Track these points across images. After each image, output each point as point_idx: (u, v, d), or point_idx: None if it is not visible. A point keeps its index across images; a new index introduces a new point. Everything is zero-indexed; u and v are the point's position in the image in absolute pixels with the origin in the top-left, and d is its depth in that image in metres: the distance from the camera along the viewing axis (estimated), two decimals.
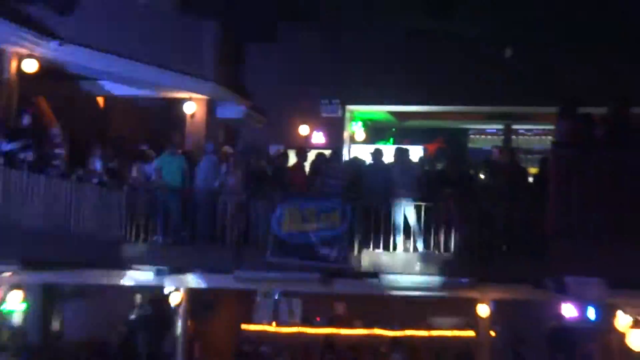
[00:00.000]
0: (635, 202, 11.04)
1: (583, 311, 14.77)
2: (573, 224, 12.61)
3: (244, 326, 21.51)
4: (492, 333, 17.65)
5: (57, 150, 16.23)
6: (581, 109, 14.31)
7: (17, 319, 17.24)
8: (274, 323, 21.63)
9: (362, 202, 16.55)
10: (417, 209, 16.32)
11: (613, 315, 14.01)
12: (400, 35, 20.92)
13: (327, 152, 19.74)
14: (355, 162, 19.12)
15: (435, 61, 21.02)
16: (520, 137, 24.61)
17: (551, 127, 16.74)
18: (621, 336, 13.78)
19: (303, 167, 18.57)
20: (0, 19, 15.65)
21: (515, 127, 24.29)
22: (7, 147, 14.90)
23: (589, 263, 11.91)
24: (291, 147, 20.51)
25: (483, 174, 17.89)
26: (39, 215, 14.85)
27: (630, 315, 13.18)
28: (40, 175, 15.17)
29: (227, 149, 19.10)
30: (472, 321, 17.62)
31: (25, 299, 16.91)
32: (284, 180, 17.73)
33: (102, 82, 19.94)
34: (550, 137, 18.23)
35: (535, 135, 24.13)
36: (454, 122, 25.08)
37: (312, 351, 18.13)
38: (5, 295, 16.19)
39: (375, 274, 16.33)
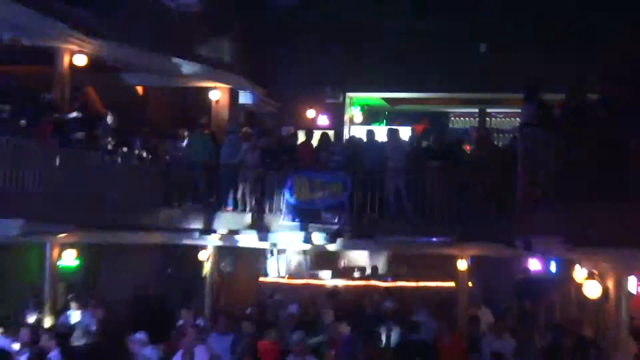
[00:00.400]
0: (589, 174, 11.13)
1: (546, 265, 14.92)
2: (537, 192, 12.74)
3: (261, 279, 21.64)
4: (470, 284, 17.79)
5: (102, 132, 16.39)
6: (542, 95, 14.46)
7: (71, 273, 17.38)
8: (286, 276, 21.79)
9: (359, 174, 16.67)
10: (406, 179, 16.44)
11: (571, 269, 14.11)
12: (392, 34, 21.02)
13: (331, 132, 19.87)
14: (353, 140, 19.24)
15: (422, 55, 21.07)
16: (493, 119, 24.61)
17: (519, 110, 16.76)
18: (578, 286, 13.89)
19: (310, 144, 18.65)
20: (56, 20, 15.74)
21: (488, 110, 24.37)
22: (70, 116, 15.07)
23: (551, 225, 12.02)
24: (300, 128, 20.66)
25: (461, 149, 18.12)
26: (90, 185, 14.96)
27: (586, 268, 13.27)
28: (90, 152, 15.30)
29: (246, 129, 19.20)
30: (453, 274, 17.73)
31: (79, 257, 17.05)
32: (295, 155, 17.83)
33: (141, 74, 20.05)
34: (518, 119, 18.26)
35: (506, 117, 24.13)
36: (437, 106, 25.11)
37: (318, 299, 18.22)
38: (61, 253, 16.36)
39: (370, 234, 16.49)
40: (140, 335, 12.21)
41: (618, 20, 18.31)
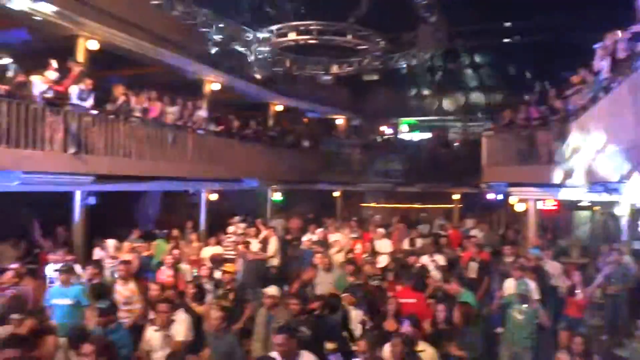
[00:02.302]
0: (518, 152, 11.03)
1: (497, 195, 14.47)
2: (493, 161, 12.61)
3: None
4: (460, 205, 17.58)
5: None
6: None
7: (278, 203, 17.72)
8: None
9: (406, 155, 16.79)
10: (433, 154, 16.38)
11: (508, 197, 13.79)
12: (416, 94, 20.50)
13: (392, 136, 19.98)
14: (402, 140, 19.19)
15: (431, 102, 20.44)
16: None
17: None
18: (512, 206, 13.56)
19: (382, 143, 18.90)
20: (270, 91, 15.98)
21: (470, 124, 23.34)
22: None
23: (499, 176, 11.93)
24: (378, 135, 20.66)
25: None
26: (279, 162, 15.07)
27: (516, 197, 12.92)
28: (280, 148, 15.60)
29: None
30: (452, 201, 17.51)
31: (282, 195, 17.41)
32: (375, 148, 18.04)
33: (307, 112, 20.27)
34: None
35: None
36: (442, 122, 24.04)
37: None
38: (274, 194, 16.83)
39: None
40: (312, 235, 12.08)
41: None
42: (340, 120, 20.90)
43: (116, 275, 7.39)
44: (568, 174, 8.45)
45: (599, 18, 9.02)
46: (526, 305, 6.28)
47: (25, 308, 5.36)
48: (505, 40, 17.50)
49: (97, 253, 9.54)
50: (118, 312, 5.64)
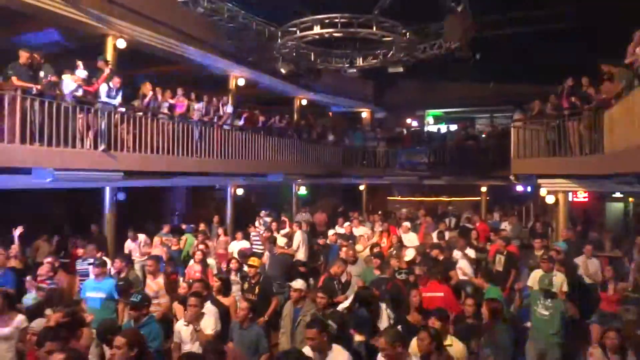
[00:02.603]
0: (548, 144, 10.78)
1: (525, 188, 14.23)
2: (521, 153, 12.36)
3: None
4: (487, 198, 17.33)
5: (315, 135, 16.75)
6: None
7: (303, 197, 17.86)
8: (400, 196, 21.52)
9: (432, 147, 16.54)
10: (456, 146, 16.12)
11: (538, 189, 13.59)
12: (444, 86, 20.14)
13: (417, 129, 19.66)
14: (428, 132, 18.91)
15: (456, 94, 20.04)
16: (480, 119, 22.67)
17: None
18: (542, 198, 13.34)
19: (408, 135, 18.72)
20: (294, 86, 15.93)
21: (496, 115, 22.93)
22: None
23: (527, 168, 11.71)
24: (404, 128, 20.39)
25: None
26: (306, 156, 15.24)
27: (546, 188, 12.70)
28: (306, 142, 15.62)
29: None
30: (479, 193, 17.25)
31: (306, 189, 17.61)
32: (402, 141, 17.82)
33: (332, 106, 20.22)
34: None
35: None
36: (467, 114, 23.26)
37: None
38: (299, 188, 16.94)
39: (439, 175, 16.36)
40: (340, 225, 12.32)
41: None
42: (365, 114, 20.75)
43: (145, 270, 7.53)
44: (600, 165, 8.22)
45: (632, 4, 8.70)
46: (550, 300, 6.00)
47: (62, 301, 5.51)
48: (534, 29, 16.96)
49: (128, 245, 9.76)
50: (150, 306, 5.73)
